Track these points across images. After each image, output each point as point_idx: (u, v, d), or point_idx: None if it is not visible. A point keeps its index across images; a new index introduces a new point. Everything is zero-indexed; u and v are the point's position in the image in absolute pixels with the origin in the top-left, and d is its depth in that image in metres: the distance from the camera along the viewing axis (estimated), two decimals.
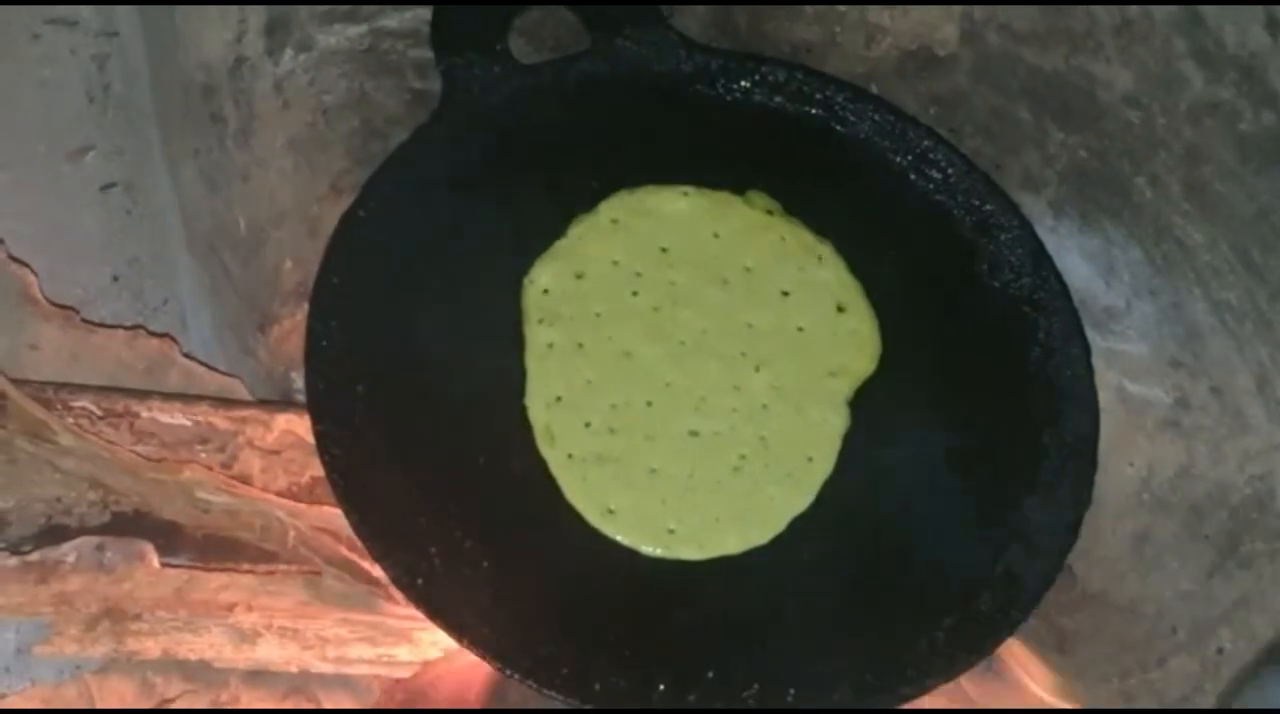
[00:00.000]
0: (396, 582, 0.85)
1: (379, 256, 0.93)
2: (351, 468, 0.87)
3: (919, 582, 0.89)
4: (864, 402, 0.93)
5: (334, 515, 0.87)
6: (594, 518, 0.88)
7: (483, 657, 0.83)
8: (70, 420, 0.97)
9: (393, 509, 0.86)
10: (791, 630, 0.87)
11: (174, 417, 1.00)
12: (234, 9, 1.08)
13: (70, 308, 1.11)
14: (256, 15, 1.07)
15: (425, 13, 1.04)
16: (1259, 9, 1.10)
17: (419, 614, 0.92)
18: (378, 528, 0.85)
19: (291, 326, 1.01)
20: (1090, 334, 0.96)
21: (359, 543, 0.85)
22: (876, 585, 0.89)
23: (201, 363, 1.10)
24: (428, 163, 0.96)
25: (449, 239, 0.94)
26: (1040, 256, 0.98)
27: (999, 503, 0.91)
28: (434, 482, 0.87)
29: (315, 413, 0.88)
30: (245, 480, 0.98)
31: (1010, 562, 0.89)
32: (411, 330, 0.91)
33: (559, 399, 0.91)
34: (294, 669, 1.01)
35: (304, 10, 1.06)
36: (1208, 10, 1.09)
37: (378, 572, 0.86)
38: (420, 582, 0.84)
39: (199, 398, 1.03)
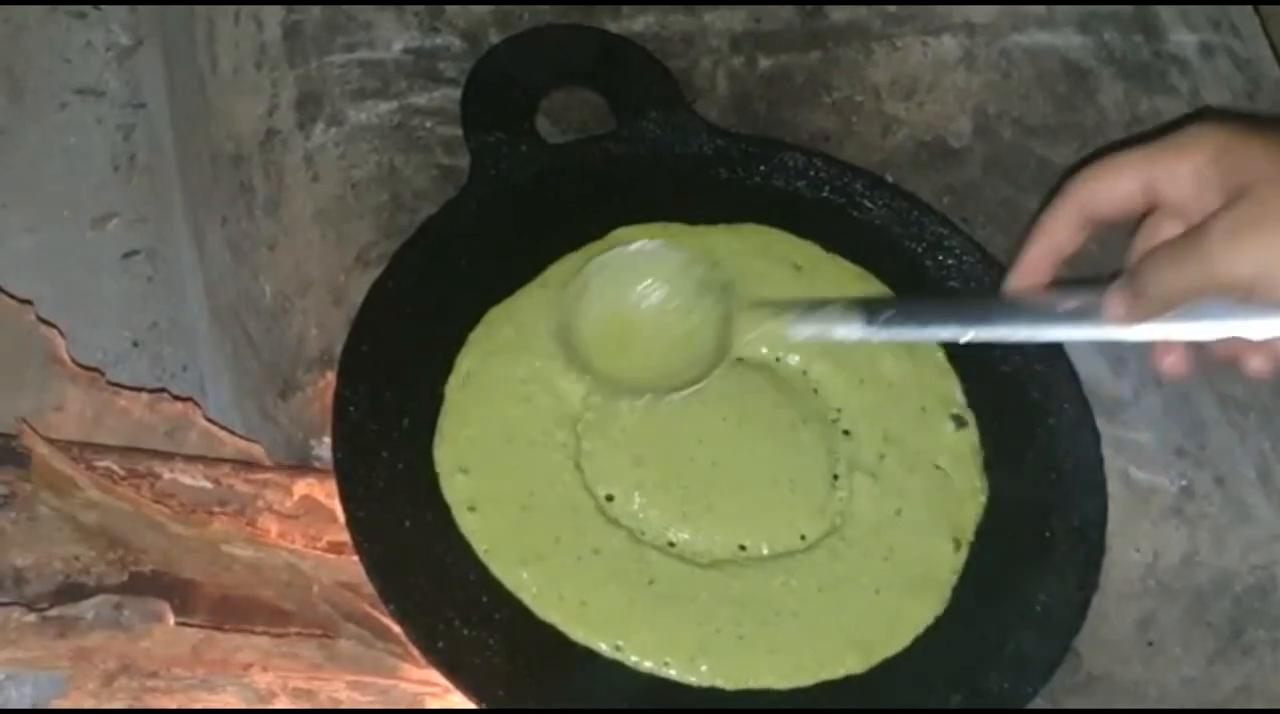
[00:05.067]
0: (417, 644, 0.86)
1: (406, 327, 0.95)
2: (375, 532, 0.88)
3: (928, 658, 0.89)
4: None
5: (358, 569, 0.88)
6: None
7: None
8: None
9: (414, 573, 0.87)
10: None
11: (195, 478, 1.02)
12: (267, 85, 1.11)
13: (96, 370, 1.13)
14: (288, 90, 1.10)
15: (454, 91, 1.07)
16: (1264, 111, 1.14)
17: (433, 679, 0.94)
18: (399, 591, 0.86)
19: (314, 394, 1.03)
20: (1099, 422, 0.97)
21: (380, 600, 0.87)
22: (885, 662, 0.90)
23: (222, 427, 1.11)
24: (455, 237, 0.99)
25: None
26: (1051, 344, 0.99)
27: (1008, 585, 0.92)
28: (456, 546, 0.89)
29: (341, 476, 0.89)
30: None
31: (1019, 642, 0.90)
32: (436, 400, 0.93)
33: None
34: None
35: (336, 87, 1.08)
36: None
37: (398, 629, 0.87)
38: (440, 645, 0.85)
39: (220, 460, 1.04)
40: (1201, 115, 0.82)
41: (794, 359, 0.97)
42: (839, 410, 0.96)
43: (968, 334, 0.89)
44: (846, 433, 0.95)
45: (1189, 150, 0.80)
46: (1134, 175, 0.83)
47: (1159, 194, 0.82)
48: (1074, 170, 0.86)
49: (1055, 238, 0.86)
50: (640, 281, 0.96)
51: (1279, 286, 0.75)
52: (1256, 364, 0.83)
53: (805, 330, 0.93)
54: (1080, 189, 0.85)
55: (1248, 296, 0.76)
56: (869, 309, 0.91)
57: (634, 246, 0.96)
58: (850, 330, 0.91)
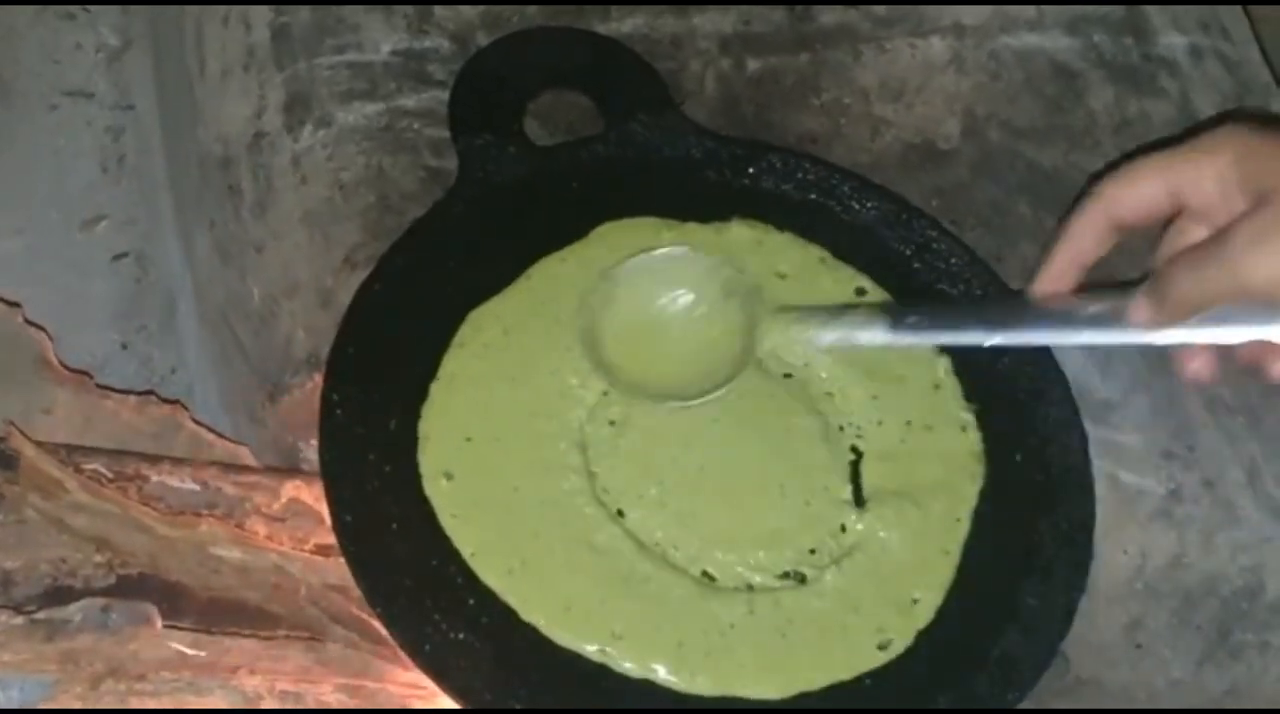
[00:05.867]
0: (403, 647, 0.86)
1: (393, 329, 0.95)
2: (362, 534, 0.88)
3: (916, 661, 0.89)
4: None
5: (345, 572, 0.88)
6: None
7: None
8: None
9: (401, 576, 0.87)
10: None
11: (183, 481, 1.02)
12: (255, 87, 1.11)
13: (84, 372, 1.13)
14: (276, 92, 1.10)
15: (442, 93, 1.07)
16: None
17: (420, 682, 0.94)
18: (386, 593, 0.86)
19: (301, 396, 1.02)
20: (1087, 424, 0.97)
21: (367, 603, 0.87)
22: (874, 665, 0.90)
23: (210, 429, 1.11)
24: (443, 239, 0.99)
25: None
26: (1040, 347, 0.99)
27: (997, 587, 0.92)
28: (442, 549, 0.89)
29: (328, 479, 0.89)
30: None
31: (1007, 645, 0.90)
32: (423, 402, 0.93)
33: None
34: None
35: (324, 89, 1.08)
36: (1205, 113, 1.13)
37: (385, 632, 0.87)
38: (427, 648, 0.85)
39: (208, 463, 1.04)
40: (1230, 117, 0.82)
41: (804, 366, 0.97)
42: (848, 421, 0.96)
43: (993, 338, 0.89)
44: (855, 448, 0.95)
45: (1214, 154, 0.80)
46: (1159, 179, 0.83)
47: (1184, 198, 0.82)
48: (1100, 175, 0.86)
49: (1081, 243, 0.87)
50: (666, 286, 0.96)
51: None
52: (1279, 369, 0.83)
53: (829, 336, 0.93)
54: (1106, 193, 0.85)
55: (1273, 301, 0.77)
56: (893, 314, 0.92)
57: (661, 251, 0.96)
58: (874, 335, 0.92)
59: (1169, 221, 0.85)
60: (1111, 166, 0.86)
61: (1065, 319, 0.87)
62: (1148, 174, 0.83)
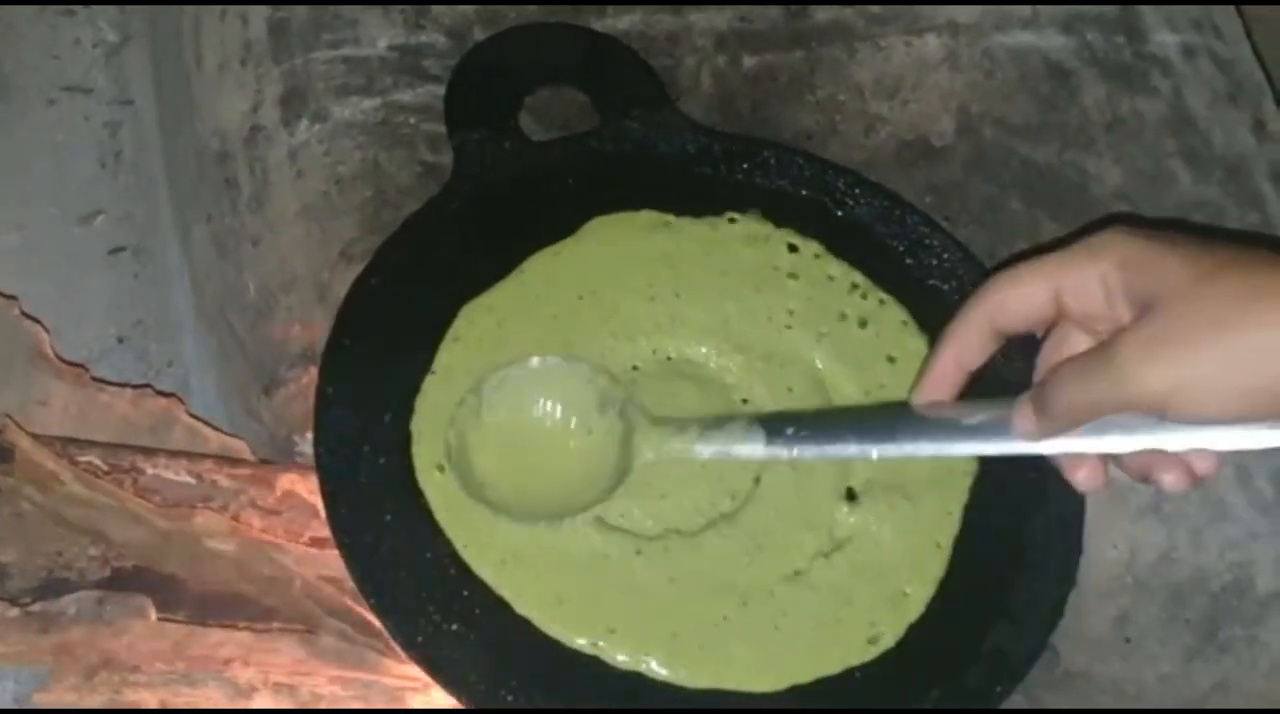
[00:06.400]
0: (397, 639, 0.86)
1: (389, 323, 0.95)
2: (356, 527, 0.88)
3: (907, 654, 0.90)
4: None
5: (340, 564, 0.88)
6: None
7: None
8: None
9: (395, 568, 0.88)
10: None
11: (178, 474, 1.02)
12: (252, 81, 1.11)
13: (80, 366, 1.13)
14: (273, 86, 1.10)
15: (438, 88, 1.07)
16: (1246, 114, 1.14)
17: (414, 674, 0.94)
18: (380, 586, 0.87)
19: (297, 390, 1.03)
20: None
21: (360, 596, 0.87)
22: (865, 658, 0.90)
23: (206, 423, 1.11)
24: (438, 233, 0.99)
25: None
26: (1030, 343, 0.99)
27: (987, 581, 0.92)
28: (436, 542, 0.89)
29: (322, 472, 0.90)
30: None
31: (997, 639, 0.90)
32: (417, 395, 0.94)
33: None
34: None
35: (321, 84, 1.09)
36: (1197, 112, 1.13)
37: (379, 624, 0.87)
38: (420, 640, 0.86)
39: (203, 456, 1.04)
40: (1112, 221, 0.81)
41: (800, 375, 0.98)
42: None
43: (873, 451, 0.87)
44: None
45: (1096, 259, 0.78)
46: (1041, 284, 0.81)
47: (1066, 303, 0.80)
48: (989, 275, 0.85)
49: (963, 349, 0.85)
50: (538, 399, 0.93)
51: (1192, 403, 0.73)
52: (1171, 479, 0.80)
53: (707, 449, 0.90)
54: (987, 298, 0.83)
55: (1160, 413, 0.74)
56: (772, 426, 0.90)
57: (533, 361, 0.93)
58: (752, 448, 0.89)
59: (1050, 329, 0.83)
60: (1000, 266, 0.85)
61: (948, 430, 0.85)
62: (1030, 278, 0.81)
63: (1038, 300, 0.81)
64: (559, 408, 0.93)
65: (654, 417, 0.92)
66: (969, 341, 0.85)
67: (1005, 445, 0.83)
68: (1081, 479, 0.83)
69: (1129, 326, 0.75)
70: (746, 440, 0.90)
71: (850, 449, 0.88)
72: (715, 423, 0.91)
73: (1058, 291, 0.80)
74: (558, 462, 0.92)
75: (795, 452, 0.89)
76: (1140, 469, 0.81)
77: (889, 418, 0.89)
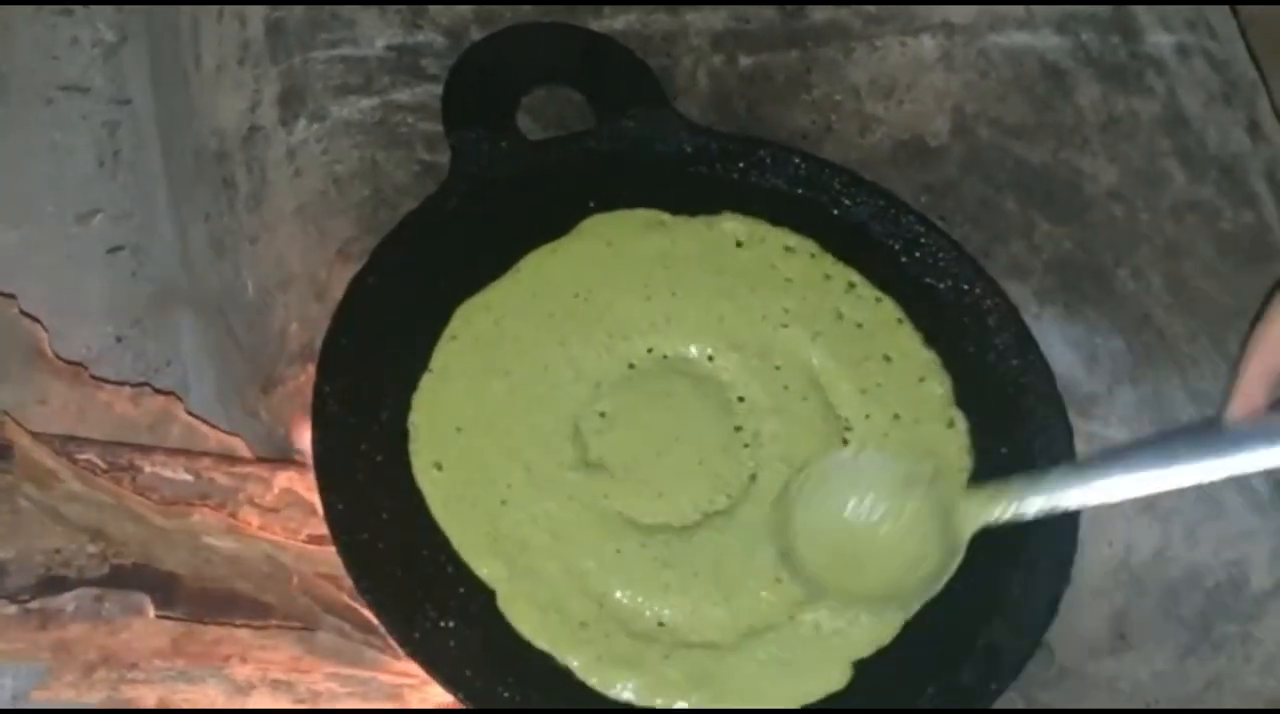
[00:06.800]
0: (393, 636, 0.87)
1: (386, 321, 0.96)
2: (353, 524, 0.89)
3: (903, 652, 0.90)
4: None
5: (338, 561, 0.89)
6: None
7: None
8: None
9: (392, 565, 0.88)
10: None
11: (176, 472, 1.02)
12: (250, 81, 1.12)
13: (79, 364, 1.13)
14: (271, 86, 1.11)
15: (435, 88, 1.07)
16: (1241, 114, 1.15)
17: (411, 671, 0.95)
18: (377, 582, 0.87)
19: (295, 388, 1.03)
20: (1072, 418, 0.98)
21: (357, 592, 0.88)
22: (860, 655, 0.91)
23: (204, 421, 1.12)
24: (435, 232, 0.99)
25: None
26: (1025, 341, 1.00)
27: (982, 578, 0.92)
28: (433, 539, 0.90)
29: (320, 469, 0.90)
30: None
31: (992, 636, 0.91)
32: (414, 393, 0.94)
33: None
34: None
35: (318, 83, 1.09)
36: (1192, 112, 1.13)
37: (376, 620, 0.88)
38: (417, 636, 0.86)
39: (202, 454, 1.05)
40: None
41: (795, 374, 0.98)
42: (836, 414, 0.97)
43: (1196, 476, 0.85)
44: (844, 441, 0.96)
45: None
46: None
47: None
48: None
49: (1272, 356, 0.83)
50: (850, 495, 0.92)
51: None
52: None
53: (1033, 505, 0.88)
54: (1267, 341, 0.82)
55: None
56: (1088, 471, 0.88)
57: (837, 458, 0.93)
58: (1076, 495, 0.87)
59: None
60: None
61: (1269, 440, 0.83)
62: None
63: None
64: (870, 499, 0.92)
65: (963, 488, 0.93)
66: (1276, 348, 0.83)
67: None
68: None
69: None
70: (1065, 488, 0.88)
71: (1172, 479, 0.86)
72: (1033, 479, 0.89)
73: None
74: (885, 551, 0.91)
75: (1118, 493, 0.87)
76: None
77: (1208, 440, 0.86)
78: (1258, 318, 0.85)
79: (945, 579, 0.90)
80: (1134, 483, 0.86)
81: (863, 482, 0.92)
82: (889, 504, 0.91)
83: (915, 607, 0.90)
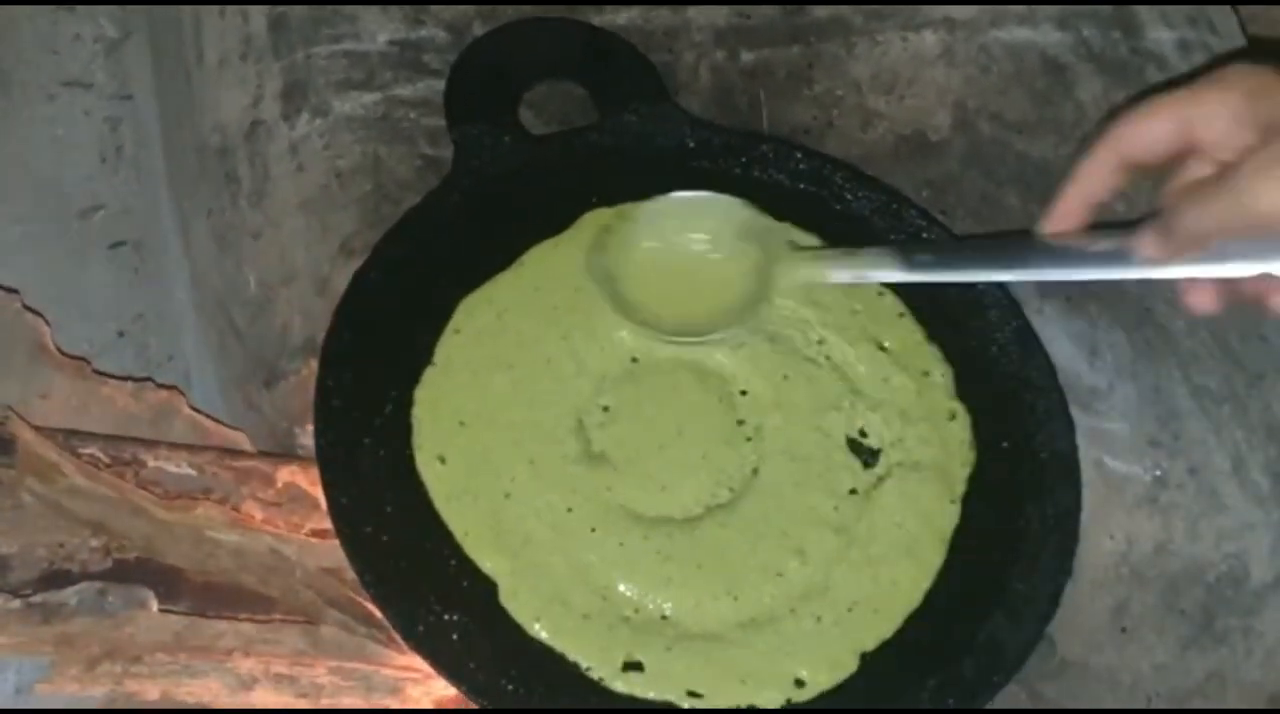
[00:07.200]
0: (397, 629, 0.87)
1: (389, 315, 0.96)
2: (356, 518, 0.89)
3: (904, 644, 0.90)
4: None
5: (340, 555, 0.89)
6: None
7: (481, 706, 0.85)
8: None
9: (395, 558, 0.88)
10: None
11: (179, 466, 1.02)
12: (252, 76, 1.12)
13: (82, 359, 1.14)
14: (274, 81, 1.11)
15: (438, 83, 1.07)
16: None
17: (414, 665, 0.95)
18: (380, 576, 0.87)
19: (297, 382, 1.03)
20: (1074, 412, 0.98)
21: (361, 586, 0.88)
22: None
23: (207, 415, 1.12)
24: (438, 227, 1.00)
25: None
26: (1027, 335, 1.00)
27: (984, 571, 0.93)
28: (436, 533, 0.90)
29: (323, 463, 0.90)
30: None
31: (993, 629, 0.91)
32: (417, 387, 0.94)
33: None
34: None
35: (321, 78, 1.09)
36: None
37: (379, 614, 0.88)
38: (420, 630, 0.86)
39: (204, 448, 1.05)
40: (1241, 55, 0.81)
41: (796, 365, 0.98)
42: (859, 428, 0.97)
43: (1002, 275, 0.93)
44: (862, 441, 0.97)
45: (1224, 89, 0.80)
46: (1169, 116, 0.82)
47: (1194, 135, 0.81)
48: (1112, 115, 0.86)
49: (1091, 182, 0.86)
50: (684, 227, 0.99)
51: None
52: None
53: (843, 274, 0.96)
54: (1117, 132, 0.84)
55: (1278, 232, 0.76)
56: (905, 253, 0.94)
57: (679, 194, 0.99)
58: (888, 273, 0.94)
59: (1176, 162, 0.84)
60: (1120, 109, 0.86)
61: (1073, 256, 0.87)
62: (1158, 112, 0.83)
63: (1166, 131, 0.82)
64: (703, 236, 0.99)
65: (794, 247, 0.98)
66: (1095, 175, 0.86)
67: (1129, 271, 0.85)
68: (1197, 302, 0.86)
69: (1252, 150, 0.77)
70: (882, 266, 0.94)
71: (979, 274, 0.95)
72: (851, 251, 0.96)
73: (1186, 122, 0.81)
74: (701, 285, 0.97)
75: (928, 276, 0.93)
76: (1255, 294, 0.83)
77: (1017, 247, 0.91)
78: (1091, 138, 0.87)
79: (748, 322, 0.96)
80: (947, 272, 0.95)
81: (703, 220, 0.99)
82: (724, 247, 0.99)
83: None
